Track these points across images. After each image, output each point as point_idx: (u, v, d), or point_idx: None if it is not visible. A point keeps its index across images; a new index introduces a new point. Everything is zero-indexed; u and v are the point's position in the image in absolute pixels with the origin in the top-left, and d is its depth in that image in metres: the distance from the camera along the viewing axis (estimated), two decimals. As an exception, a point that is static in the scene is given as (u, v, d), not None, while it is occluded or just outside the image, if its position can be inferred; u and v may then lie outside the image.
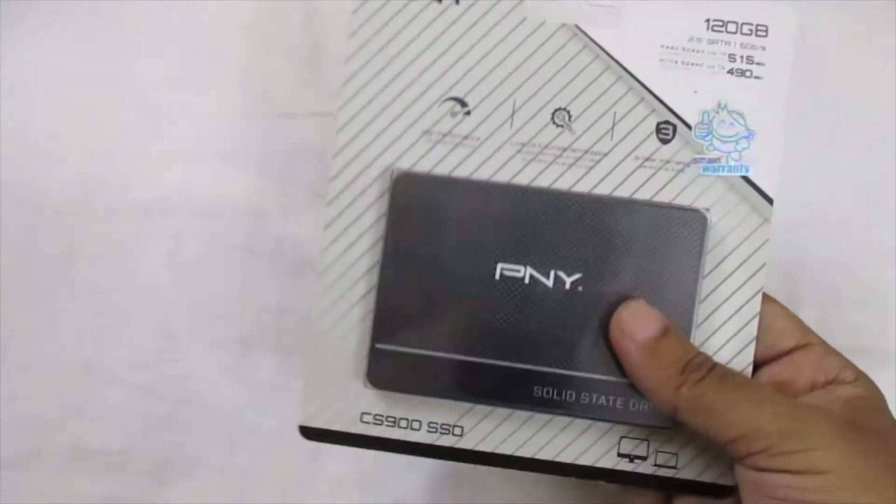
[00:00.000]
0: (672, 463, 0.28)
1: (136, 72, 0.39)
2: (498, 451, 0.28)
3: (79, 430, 0.37)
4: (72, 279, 0.38)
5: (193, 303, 0.38)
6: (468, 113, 0.28)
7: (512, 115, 0.28)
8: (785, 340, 0.28)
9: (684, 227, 0.27)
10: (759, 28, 0.28)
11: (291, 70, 0.38)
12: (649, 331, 0.26)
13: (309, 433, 0.29)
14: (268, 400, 0.37)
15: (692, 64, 0.28)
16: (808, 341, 0.28)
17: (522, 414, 0.28)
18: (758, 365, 0.28)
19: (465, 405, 0.28)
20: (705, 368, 0.25)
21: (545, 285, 0.27)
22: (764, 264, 0.28)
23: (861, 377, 0.27)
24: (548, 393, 0.27)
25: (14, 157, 0.38)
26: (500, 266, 0.28)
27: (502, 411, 0.28)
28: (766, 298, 0.28)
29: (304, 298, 0.37)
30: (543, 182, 0.28)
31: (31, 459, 0.37)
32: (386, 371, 0.28)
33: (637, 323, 0.26)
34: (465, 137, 0.28)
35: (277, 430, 0.37)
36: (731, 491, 0.27)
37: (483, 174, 0.28)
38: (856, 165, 0.37)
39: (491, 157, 0.28)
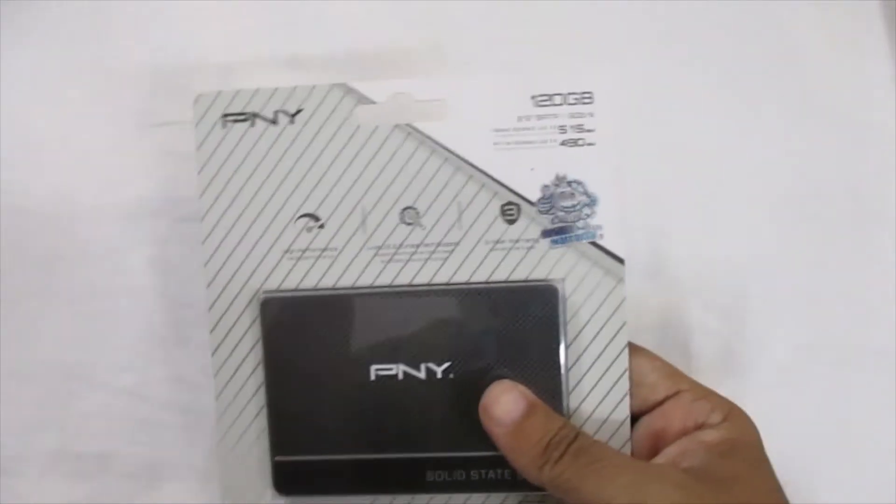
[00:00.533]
0: None
1: (117, 77, 0.39)
2: (408, 532, 0.30)
3: (64, 434, 0.37)
4: (56, 282, 0.38)
5: (178, 306, 0.38)
6: (322, 226, 0.30)
7: (363, 221, 0.30)
8: (656, 392, 0.29)
9: (538, 302, 0.29)
10: (584, 95, 0.29)
11: (271, 75, 0.39)
12: (514, 413, 0.27)
13: None
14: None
15: (525, 142, 0.29)
16: (679, 388, 0.29)
17: (421, 499, 0.30)
18: (636, 417, 0.29)
19: (369, 500, 0.30)
20: (564, 445, 0.26)
21: (418, 378, 0.29)
22: (624, 323, 0.29)
23: (730, 417, 0.28)
24: (439, 476, 0.29)
25: (1, 161, 0.39)
26: (373, 368, 0.29)
27: (402, 499, 0.30)
28: (637, 350, 0.30)
29: None
30: (403, 279, 0.29)
31: (17, 463, 0.37)
32: (290, 479, 0.30)
33: (501, 407, 0.27)
34: (324, 250, 0.30)
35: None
36: None
37: (346, 282, 0.30)
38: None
39: (350, 264, 0.30)
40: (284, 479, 0.30)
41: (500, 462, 0.29)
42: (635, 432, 0.29)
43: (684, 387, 0.29)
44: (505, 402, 0.27)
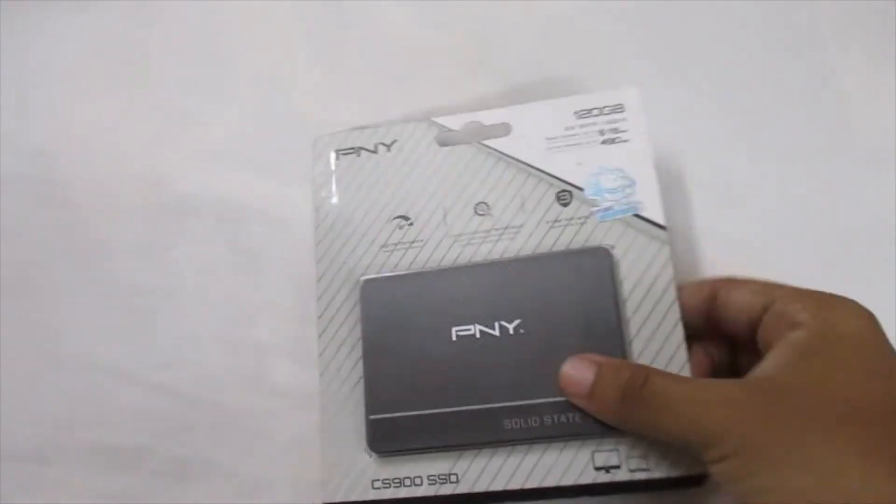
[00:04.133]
0: (644, 465, 0.31)
1: (163, 75, 0.41)
2: (491, 488, 0.32)
3: (99, 427, 0.37)
4: (97, 277, 0.39)
5: (216, 306, 0.38)
6: (411, 224, 0.36)
7: (444, 217, 0.36)
8: (753, 309, 0.29)
9: (594, 262, 0.33)
10: (616, 107, 0.36)
11: (317, 79, 0.41)
12: (585, 383, 0.30)
13: None
14: (285, 407, 0.37)
15: (572, 145, 0.36)
16: (774, 298, 0.29)
17: (503, 450, 0.32)
18: (743, 336, 0.30)
19: (455, 454, 0.33)
20: (636, 393, 0.28)
21: (493, 335, 0.33)
22: (672, 277, 0.33)
23: (821, 313, 0.27)
24: (517, 423, 0.32)
25: (42, 152, 0.40)
26: (454, 329, 0.34)
27: (486, 452, 0.32)
28: (727, 281, 0.31)
29: None
30: (478, 258, 0.35)
31: (52, 454, 0.37)
32: (382, 437, 0.33)
33: (574, 380, 0.31)
34: (413, 242, 0.36)
35: (293, 437, 0.36)
36: (705, 479, 0.30)
37: (431, 265, 0.36)
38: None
39: (434, 250, 0.36)
40: (378, 436, 0.33)
41: (571, 405, 0.32)
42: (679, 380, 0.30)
43: (778, 295, 0.29)
44: (575, 376, 0.31)
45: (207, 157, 0.40)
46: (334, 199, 0.38)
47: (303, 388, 0.37)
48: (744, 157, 0.40)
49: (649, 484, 0.31)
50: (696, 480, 0.31)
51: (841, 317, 0.26)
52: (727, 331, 0.32)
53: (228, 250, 0.39)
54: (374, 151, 0.38)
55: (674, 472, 0.31)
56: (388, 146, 0.38)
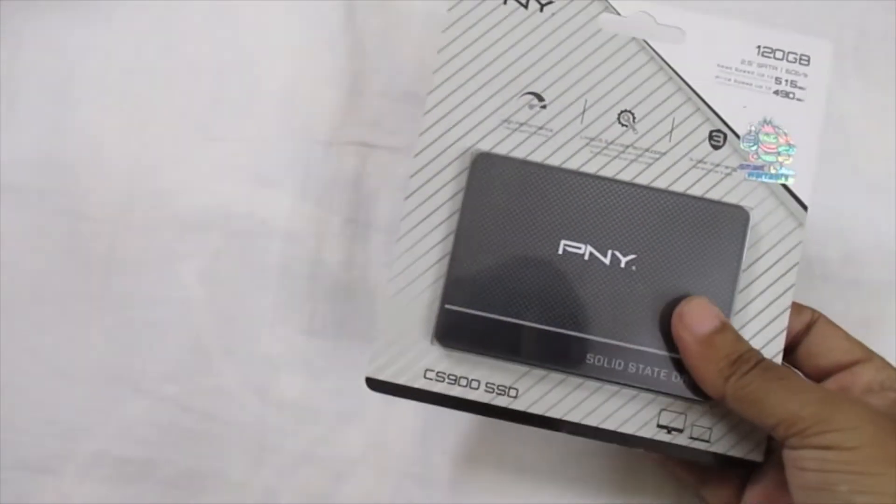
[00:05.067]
0: (706, 437, 0.31)
1: (181, 89, 0.40)
2: (548, 414, 0.31)
3: (106, 438, 0.38)
4: (108, 288, 0.39)
5: (225, 320, 0.38)
6: (544, 107, 0.32)
7: (583, 113, 0.32)
8: (851, 355, 0.31)
9: (729, 222, 0.31)
10: (802, 57, 0.32)
11: (333, 97, 0.41)
12: (707, 326, 0.29)
13: (374, 384, 0.31)
14: (293, 421, 0.38)
15: (743, 83, 0.32)
16: (872, 357, 0.31)
17: (574, 380, 0.31)
18: (821, 375, 0.32)
19: (521, 369, 0.31)
20: (753, 361, 0.28)
21: (603, 262, 0.30)
22: (797, 263, 0.31)
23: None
24: (599, 361, 0.30)
25: (57, 165, 0.40)
26: (563, 242, 0.30)
27: (555, 377, 0.31)
28: (827, 322, 0.32)
29: (334, 323, 0.39)
30: (607, 173, 0.31)
31: (58, 464, 0.37)
32: (453, 330, 0.30)
33: (698, 317, 0.29)
34: (540, 128, 0.32)
35: (301, 450, 0.37)
36: (753, 465, 0.30)
37: (554, 161, 0.31)
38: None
39: (562, 147, 0.32)
40: (448, 329, 0.30)
41: (661, 361, 0.30)
42: (795, 372, 0.31)
43: (874, 357, 0.31)
44: (700, 314, 0.29)
45: (219, 172, 0.40)
46: (461, 48, 0.32)
47: (311, 401, 0.38)
48: None
49: (699, 455, 0.31)
50: (745, 464, 0.30)
51: None
52: (807, 362, 0.32)
53: (238, 264, 0.39)
54: (525, 5, 0.32)
55: (733, 452, 0.30)
56: (542, 6, 0.32)
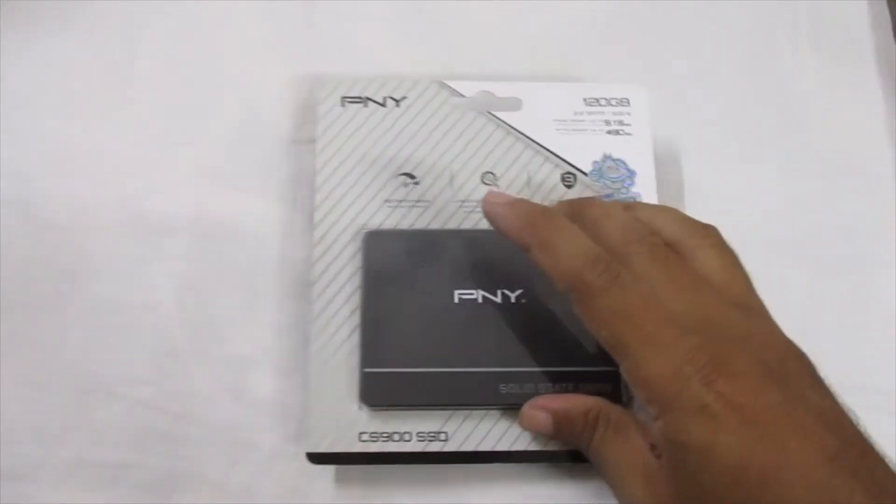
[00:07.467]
0: None
1: (144, 93, 0.41)
2: (479, 448, 0.33)
3: (79, 444, 0.37)
4: (77, 294, 0.38)
5: (195, 322, 0.38)
6: (417, 183, 0.36)
7: (451, 180, 0.37)
8: None
9: None
10: (622, 100, 0.38)
11: (293, 97, 0.41)
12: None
13: (315, 458, 0.33)
14: (267, 418, 0.37)
15: (579, 130, 0.37)
16: None
17: (494, 412, 0.33)
18: None
19: (446, 413, 0.33)
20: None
21: (495, 302, 0.34)
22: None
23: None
24: (512, 388, 0.33)
25: (21, 173, 0.39)
26: (456, 292, 0.34)
27: (478, 413, 0.33)
28: None
29: (304, 319, 0.38)
30: (483, 226, 0.36)
31: (32, 472, 0.36)
32: (376, 390, 0.33)
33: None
34: (418, 201, 0.36)
35: (276, 447, 0.37)
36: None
37: (434, 226, 0.36)
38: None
39: (438, 213, 0.36)
40: (371, 390, 0.33)
41: (566, 376, 0.33)
42: None
43: None
44: (534, 422, 0.32)
45: (185, 176, 0.40)
46: (337, 148, 0.37)
47: (285, 399, 0.38)
48: (708, 161, 0.42)
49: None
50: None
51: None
52: None
53: (208, 266, 0.39)
54: (383, 104, 0.38)
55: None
56: (398, 101, 0.38)
